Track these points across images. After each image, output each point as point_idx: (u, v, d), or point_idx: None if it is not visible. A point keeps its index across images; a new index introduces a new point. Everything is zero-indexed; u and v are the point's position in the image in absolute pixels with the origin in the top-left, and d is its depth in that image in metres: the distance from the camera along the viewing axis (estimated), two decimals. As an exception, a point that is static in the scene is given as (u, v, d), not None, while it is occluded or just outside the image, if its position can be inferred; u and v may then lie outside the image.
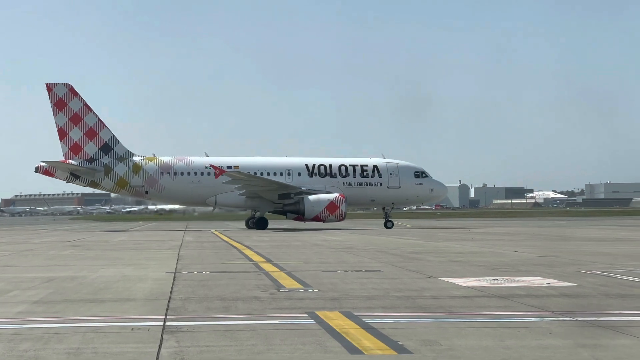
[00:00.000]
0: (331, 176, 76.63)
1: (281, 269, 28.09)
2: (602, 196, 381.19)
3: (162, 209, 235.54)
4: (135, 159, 76.06)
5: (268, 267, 29.02)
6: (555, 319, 15.78)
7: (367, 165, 77.22)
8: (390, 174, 77.02)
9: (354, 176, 76.90)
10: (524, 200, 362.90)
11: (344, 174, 76.85)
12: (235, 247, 42.78)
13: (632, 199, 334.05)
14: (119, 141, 76.09)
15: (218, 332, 14.30)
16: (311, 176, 76.46)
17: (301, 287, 21.86)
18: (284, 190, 73.79)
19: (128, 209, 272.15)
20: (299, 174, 76.32)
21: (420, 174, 77.47)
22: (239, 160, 77.75)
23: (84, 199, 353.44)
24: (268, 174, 76.66)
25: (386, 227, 74.25)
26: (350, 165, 77.28)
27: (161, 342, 13.38)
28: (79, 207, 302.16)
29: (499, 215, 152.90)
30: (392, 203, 78.17)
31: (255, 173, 74.50)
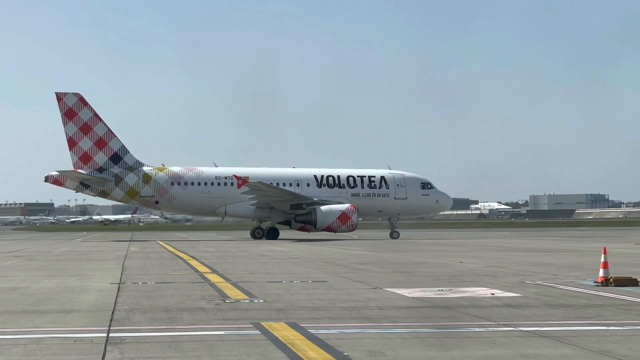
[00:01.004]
0: (339, 187, 77.30)
1: (227, 279, 28.00)
2: (545, 207, 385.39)
3: (107, 219, 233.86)
4: (145, 168, 76.09)
5: (213, 277, 28.89)
6: (499, 329, 15.91)
7: (374, 177, 77.94)
8: (398, 185, 77.68)
9: (362, 187, 77.56)
10: (469, 212, 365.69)
11: (352, 185, 77.53)
12: (180, 258, 42.54)
13: (575, 210, 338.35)
14: (128, 151, 76.16)
15: (163, 343, 14.19)
16: (320, 187, 77.04)
17: (247, 297, 21.80)
18: (297, 200, 74.18)
19: (72, 219, 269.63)
20: (308, 185, 76.83)
21: (426, 185, 78.36)
22: (249, 170, 78.07)
23: (27, 209, 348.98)
24: (277, 184, 76.80)
25: (392, 237, 74.40)
26: (358, 176, 78.01)
27: (104, 353, 13.24)
28: (22, 217, 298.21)
29: (445, 226, 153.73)
30: (399, 214, 78.86)
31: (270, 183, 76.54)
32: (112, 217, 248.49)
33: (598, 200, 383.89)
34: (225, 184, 76.14)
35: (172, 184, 75.62)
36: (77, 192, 77.14)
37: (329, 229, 73.31)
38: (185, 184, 75.77)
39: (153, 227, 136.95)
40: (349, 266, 34.97)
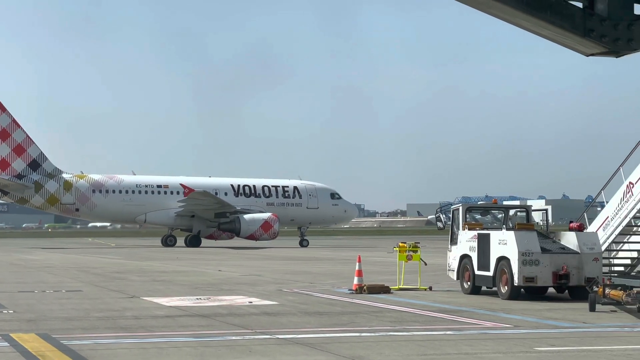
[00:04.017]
0: (255, 196, 78.89)
1: (-26, 289, 26.78)
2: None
3: None
4: (65, 176, 74.90)
5: (-40, 287, 27.55)
6: (256, 337, 16.02)
7: (288, 187, 79.95)
8: (310, 195, 79.76)
9: (277, 196, 79.36)
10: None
11: (267, 195, 79.24)
12: None
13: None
14: (47, 158, 74.81)
15: None
16: (237, 196, 78.05)
17: (-5, 308, 20.93)
18: (222, 209, 74.76)
19: None
20: (226, 194, 77.36)
21: (334, 195, 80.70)
22: (167, 179, 79.02)
23: None
24: None
25: (302, 245, 75.68)
26: (272, 186, 79.99)
27: None
28: None
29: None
30: (310, 223, 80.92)
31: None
32: None
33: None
34: (146, 192, 76.29)
35: (94, 191, 74.95)
36: None
37: (251, 237, 74.40)
38: (107, 191, 75.31)
39: None
40: (106, 275, 34.30)
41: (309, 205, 79.48)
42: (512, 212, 28.37)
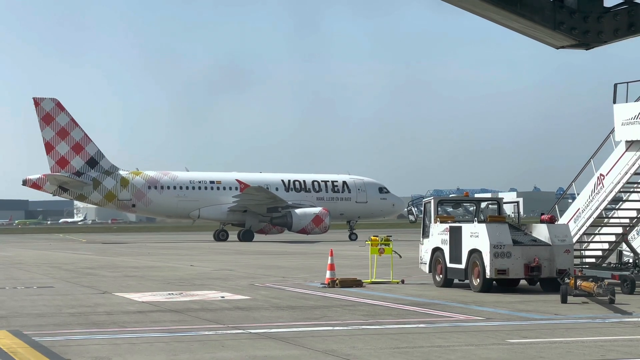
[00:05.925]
0: (305, 191, 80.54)
1: (-56, 286, 26.55)
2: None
3: None
4: (122, 173, 77.08)
5: None
6: (229, 331, 15.99)
7: (337, 181, 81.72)
8: (358, 189, 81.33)
9: (326, 191, 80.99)
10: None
11: (317, 189, 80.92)
12: None
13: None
14: (104, 155, 76.51)
15: None
16: (287, 191, 79.53)
17: (-35, 305, 20.76)
18: (274, 204, 76.23)
19: None
20: (277, 189, 78.59)
21: (383, 190, 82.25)
22: (220, 175, 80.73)
23: None
24: None
25: (350, 239, 76.51)
26: (322, 181, 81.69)
27: None
28: None
29: (177, 230, 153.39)
30: (359, 217, 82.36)
31: (236, 188, 76.99)
32: None
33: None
34: (200, 187, 77.81)
35: (149, 187, 76.54)
36: (54, 195, 77.88)
37: (303, 231, 75.72)
38: (162, 187, 76.98)
39: None
40: (77, 271, 34.12)
41: (358, 200, 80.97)
42: (483, 204, 28.45)
